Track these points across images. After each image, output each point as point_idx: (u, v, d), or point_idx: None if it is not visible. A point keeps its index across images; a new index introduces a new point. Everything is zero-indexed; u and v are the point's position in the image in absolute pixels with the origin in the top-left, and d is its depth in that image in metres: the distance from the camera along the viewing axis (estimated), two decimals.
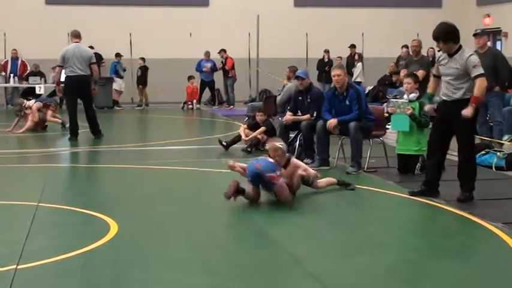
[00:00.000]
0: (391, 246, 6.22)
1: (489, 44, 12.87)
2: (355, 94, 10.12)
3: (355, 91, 10.17)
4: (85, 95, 14.14)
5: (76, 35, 14.25)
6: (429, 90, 8.47)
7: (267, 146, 8.19)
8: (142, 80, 23.79)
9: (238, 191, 7.66)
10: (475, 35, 12.16)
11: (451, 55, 7.89)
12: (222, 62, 23.49)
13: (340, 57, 23.58)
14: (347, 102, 10.12)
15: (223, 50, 23.39)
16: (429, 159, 8.36)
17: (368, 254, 5.90)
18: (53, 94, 22.87)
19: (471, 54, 7.82)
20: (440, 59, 8.10)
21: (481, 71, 7.75)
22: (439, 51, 8.19)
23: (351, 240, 6.46)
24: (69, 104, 14.29)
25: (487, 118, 12.43)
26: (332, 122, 10.05)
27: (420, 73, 11.83)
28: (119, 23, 23.98)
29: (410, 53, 15.26)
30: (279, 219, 7.28)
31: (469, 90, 7.81)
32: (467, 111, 7.71)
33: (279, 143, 8.14)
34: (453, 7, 25.82)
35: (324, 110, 10.41)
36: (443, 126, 8.09)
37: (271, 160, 7.74)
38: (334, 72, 10.28)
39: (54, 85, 16.01)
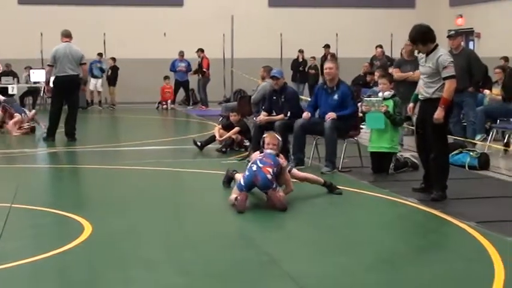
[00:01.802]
0: (367, 245, 6.24)
1: (463, 44, 12.91)
2: (349, 91, 10.36)
3: (349, 88, 10.35)
4: (73, 95, 14.03)
5: (67, 35, 14.11)
6: (417, 90, 8.53)
7: (266, 136, 8.18)
8: (112, 80, 23.69)
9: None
10: (449, 36, 12.24)
11: (427, 54, 8.00)
12: (199, 62, 23.43)
13: (314, 57, 23.62)
14: (335, 97, 10.22)
15: (201, 50, 23.33)
16: (420, 157, 8.58)
17: (344, 254, 5.92)
18: (25, 95, 22.79)
19: (442, 54, 7.91)
20: (420, 58, 8.23)
21: (450, 72, 7.83)
22: (418, 53, 8.29)
23: (328, 240, 6.47)
24: (56, 105, 14.08)
25: (461, 118, 12.51)
26: (305, 115, 10.29)
27: (417, 74, 11.85)
28: (92, 23, 23.82)
29: (396, 53, 15.17)
30: (255, 219, 7.28)
31: (440, 90, 7.91)
32: (437, 114, 7.83)
33: (277, 135, 8.27)
34: (426, 8, 25.99)
35: (308, 105, 10.58)
36: (422, 124, 8.22)
37: (269, 175, 7.56)
38: (327, 65, 10.49)
39: (43, 85, 15.81)
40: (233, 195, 7.59)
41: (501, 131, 12.86)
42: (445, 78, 7.84)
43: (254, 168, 7.66)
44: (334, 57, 22.02)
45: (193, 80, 23.88)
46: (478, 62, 12.14)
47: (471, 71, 11.82)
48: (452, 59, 7.97)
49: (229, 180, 8.69)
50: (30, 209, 7.61)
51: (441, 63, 7.84)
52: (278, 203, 7.45)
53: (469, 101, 12.12)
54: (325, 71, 10.45)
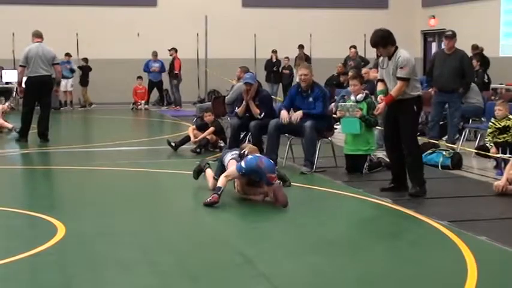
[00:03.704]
0: (341, 245, 6.27)
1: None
2: (321, 92, 10.32)
3: (321, 90, 10.36)
4: (46, 96, 13.92)
5: (38, 35, 14.00)
6: (381, 87, 8.53)
7: (247, 148, 8.23)
8: (83, 80, 23.56)
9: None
10: (445, 36, 12.37)
11: (389, 58, 8.20)
12: (170, 62, 23.31)
13: (288, 58, 23.62)
14: (310, 99, 10.24)
15: (174, 49, 23.20)
16: (389, 157, 8.75)
17: (319, 254, 5.94)
18: None
19: (401, 56, 8.08)
20: (381, 62, 8.41)
21: (405, 74, 8.00)
22: (379, 56, 8.43)
23: (302, 240, 6.48)
24: (29, 105, 13.95)
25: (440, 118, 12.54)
26: (284, 114, 10.15)
27: None
28: (65, 23, 23.61)
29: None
30: (230, 220, 7.29)
31: (411, 90, 8.12)
32: (380, 109, 8.25)
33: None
34: (399, 8, 26.11)
35: (282, 105, 10.59)
36: (392, 124, 8.34)
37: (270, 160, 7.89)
38: (301, 71, 10.48)
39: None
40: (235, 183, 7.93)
41: (473, 131, 12.98)
42: (398, 78, 8.03)
43: (257, 155, 7.89)
44: (305, 59, 22.10)
45: (166, 81, 23.79)
46: (471, 64, 12.22)
47: (463, 72, 11.92)
48: (411, 60, 8.09)
49: (199, 172, 8.70)
50: (2, 211, 7.53)
51: (398, 62, 8.04)
52: (280, 197, 7.56)
53: (457, 102, 12.17)
54: (300, 77, 10.43)
